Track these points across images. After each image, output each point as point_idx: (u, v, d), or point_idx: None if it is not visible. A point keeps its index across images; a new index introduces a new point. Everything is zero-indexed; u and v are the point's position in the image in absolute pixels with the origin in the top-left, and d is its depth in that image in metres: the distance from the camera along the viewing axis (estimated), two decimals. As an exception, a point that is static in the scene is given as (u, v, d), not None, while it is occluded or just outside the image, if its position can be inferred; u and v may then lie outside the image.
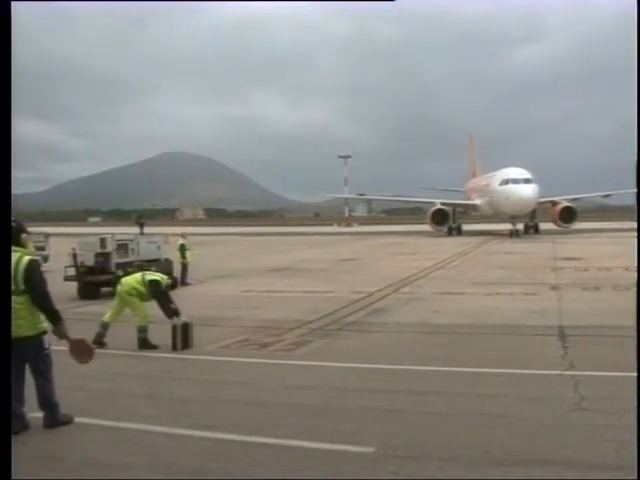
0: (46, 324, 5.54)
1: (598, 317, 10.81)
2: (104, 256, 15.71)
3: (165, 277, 9.80)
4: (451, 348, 8.80)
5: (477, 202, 51.89)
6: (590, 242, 34.77)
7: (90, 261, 15.66)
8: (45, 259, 19.91)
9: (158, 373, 7.68)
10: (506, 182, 43.50)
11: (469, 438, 5.04)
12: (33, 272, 5.40)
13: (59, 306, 5.74)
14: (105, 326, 9.26)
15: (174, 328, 8.92)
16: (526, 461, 4.55)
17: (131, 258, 16.17)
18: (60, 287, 13.52)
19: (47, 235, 24.39)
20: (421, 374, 7.31)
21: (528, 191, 42.01)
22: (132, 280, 9.51)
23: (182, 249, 19.10)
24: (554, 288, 15.09)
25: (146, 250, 16.88)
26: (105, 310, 9.78)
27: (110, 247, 15.85)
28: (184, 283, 17.91)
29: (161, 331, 9.07)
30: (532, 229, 47.72)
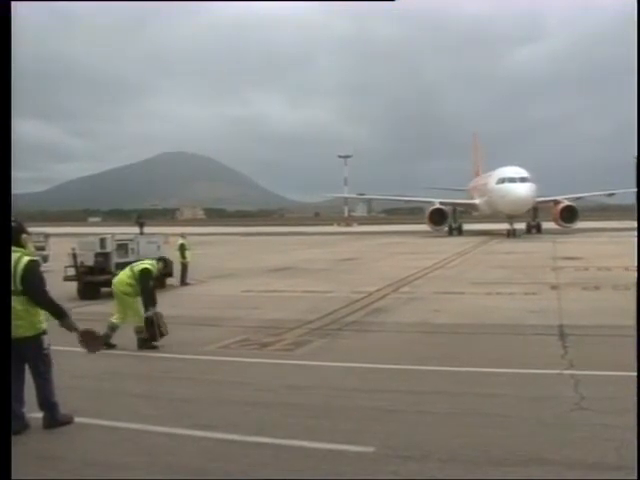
0: (45, 324, 5.53)
1: (598, 317, 10.80)
2: (104, 256, 15.75)
3: (155, 263, 9.62)
4: (451, 348, 8.79)
5: (476, 201, 51.33)
6: (590, 241, 34.76)
7: (90, 261, 15.68)
8: (45, 259, 19.95)
9: (158, 373, 7.68)
10: (502, 181, 42.74)
11: (469, 438, 5.04)
12: (31, 273, 5.39)
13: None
14: (113, 327, 9.21)
15: (151, 319, 8.88)
16: (526, 461, 4.55)
17: (131, 258, 16.13)
18: (60, 287, 13.51)
19: (47, 235, 24.44)
20: (421, 374, 7.30)
21: (523, 190, 40.99)
22: (124, 277, 9.40)
23: (182, 249, 19.10)
24: (554, 288, 15.08)
25: (146, 250, 16.86)
26: (105, 310, 9.78)
27: (110, 247, 15.90)
28: (184, 283, 17.95)
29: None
30: (534, 229, 47.39)
